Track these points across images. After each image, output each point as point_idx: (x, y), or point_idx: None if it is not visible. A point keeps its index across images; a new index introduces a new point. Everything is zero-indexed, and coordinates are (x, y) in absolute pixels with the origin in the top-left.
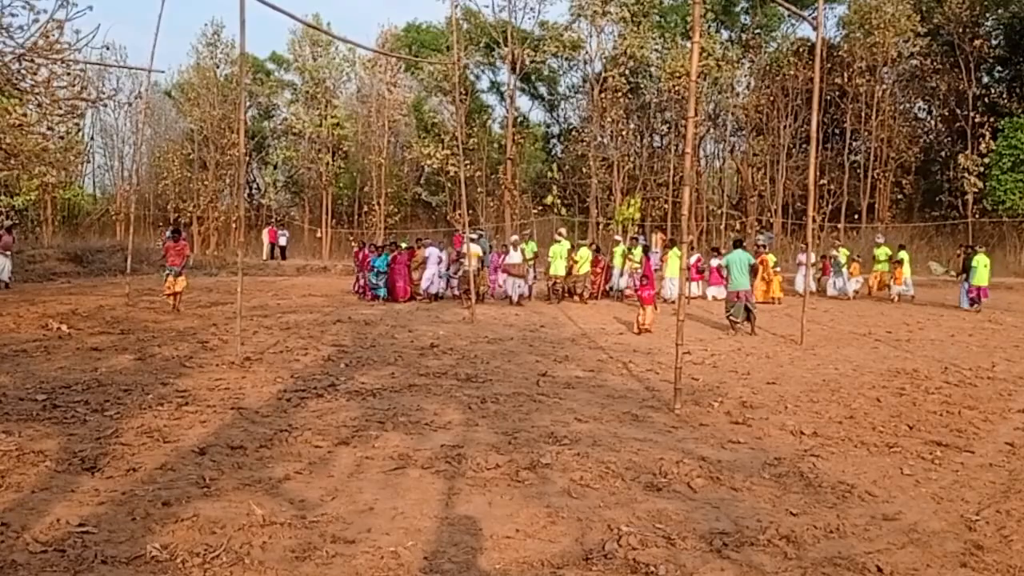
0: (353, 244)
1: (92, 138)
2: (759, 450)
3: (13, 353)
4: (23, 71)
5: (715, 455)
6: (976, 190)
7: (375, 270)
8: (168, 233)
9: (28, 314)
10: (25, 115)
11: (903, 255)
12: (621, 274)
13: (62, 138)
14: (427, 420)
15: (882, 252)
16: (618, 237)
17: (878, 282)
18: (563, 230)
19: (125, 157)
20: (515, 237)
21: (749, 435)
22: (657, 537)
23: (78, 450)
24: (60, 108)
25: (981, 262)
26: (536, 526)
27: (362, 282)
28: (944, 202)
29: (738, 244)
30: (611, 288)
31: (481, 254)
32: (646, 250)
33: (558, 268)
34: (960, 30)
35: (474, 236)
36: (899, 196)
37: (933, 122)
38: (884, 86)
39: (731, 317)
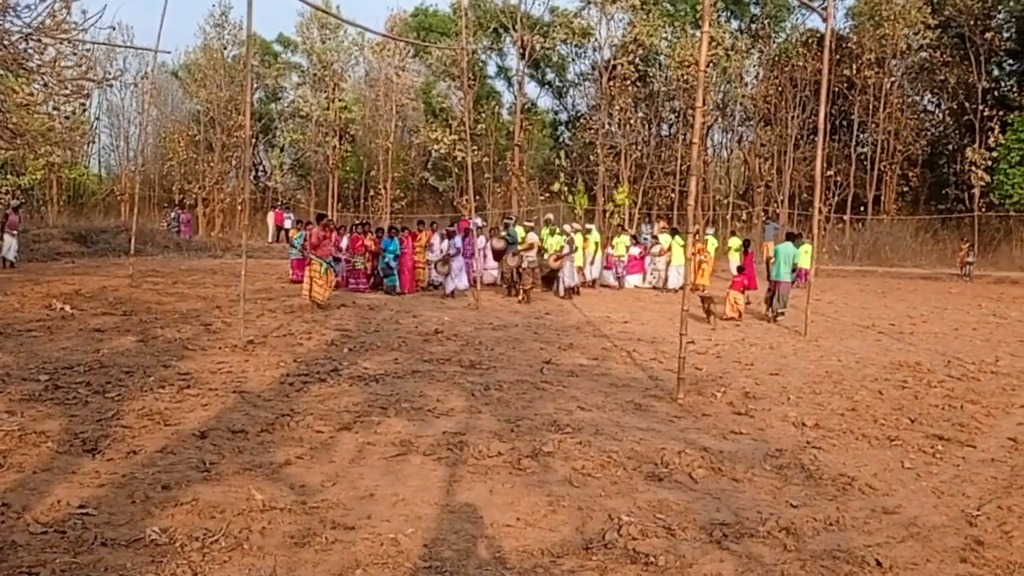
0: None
1: (98, 118)
2: (761, 441)
3: (17, 333)
4: (30, 50)
5: (717, 445)
6: (983, 184)
7: (390, 254)
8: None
9: (32, 294)
10: (31, 94)
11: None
12: (592, 262)
13: (68, 118)
14: (430, 406)
15: (711, 241)
16: (590, 225)
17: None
18: (549, 217)
19: (131, 137)
20: (574, 225)
21: (751, 426)
22: (657, 527)
23: (79, 431)
24: (67, 88)
25: (803, 249)
26: (537, 515)
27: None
28: (951, 195)
29: (791, 237)
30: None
31: (539, 243)
32: (747, 244)
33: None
34: (971, 22)
35: (530, 224)
36: (905, 189)
37: (941, 115)
38: (893, 78)
39: (775, 309)
